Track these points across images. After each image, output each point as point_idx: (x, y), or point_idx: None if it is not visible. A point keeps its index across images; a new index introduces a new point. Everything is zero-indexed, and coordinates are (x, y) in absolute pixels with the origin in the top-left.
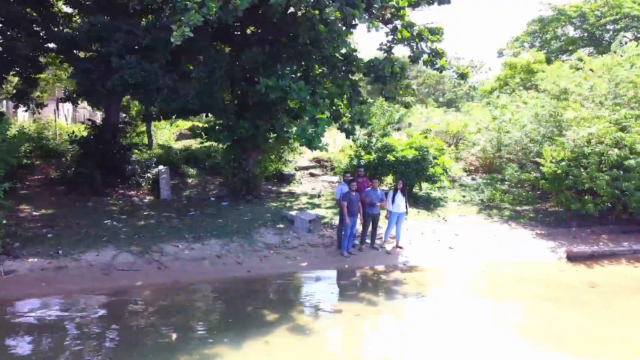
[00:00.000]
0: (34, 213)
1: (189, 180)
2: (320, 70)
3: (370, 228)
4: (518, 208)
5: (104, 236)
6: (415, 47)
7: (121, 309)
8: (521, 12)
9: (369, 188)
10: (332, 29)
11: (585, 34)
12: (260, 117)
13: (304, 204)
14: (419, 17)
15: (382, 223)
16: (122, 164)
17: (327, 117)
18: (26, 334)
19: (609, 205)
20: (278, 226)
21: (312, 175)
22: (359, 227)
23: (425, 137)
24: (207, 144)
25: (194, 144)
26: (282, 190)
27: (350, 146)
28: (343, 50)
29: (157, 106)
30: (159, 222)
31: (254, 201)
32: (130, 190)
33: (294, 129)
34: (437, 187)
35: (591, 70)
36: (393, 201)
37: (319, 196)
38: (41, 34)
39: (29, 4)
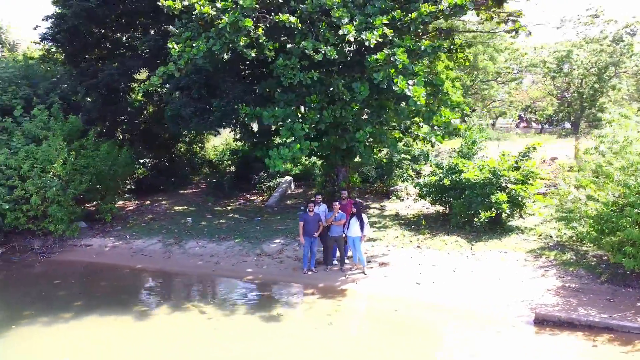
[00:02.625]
0: (175, 208)
1: (301, 190)
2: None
3: (337, 249)
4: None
5: (170, 229)
6: None
7: (110, 277)
8: None
9: (327, 209)
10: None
11: None
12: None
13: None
14: None
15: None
16: (253, 173)
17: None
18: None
19: None
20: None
21: None
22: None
23: (519, 160)
24: None
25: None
26: (373, 205)
27: (430, 165)
28: None
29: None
30: (228, 223)
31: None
32: (255, 195)
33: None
34: (526, 215)
35: None
36: (348, 225)
37: (397, 215)
38: None
39: None
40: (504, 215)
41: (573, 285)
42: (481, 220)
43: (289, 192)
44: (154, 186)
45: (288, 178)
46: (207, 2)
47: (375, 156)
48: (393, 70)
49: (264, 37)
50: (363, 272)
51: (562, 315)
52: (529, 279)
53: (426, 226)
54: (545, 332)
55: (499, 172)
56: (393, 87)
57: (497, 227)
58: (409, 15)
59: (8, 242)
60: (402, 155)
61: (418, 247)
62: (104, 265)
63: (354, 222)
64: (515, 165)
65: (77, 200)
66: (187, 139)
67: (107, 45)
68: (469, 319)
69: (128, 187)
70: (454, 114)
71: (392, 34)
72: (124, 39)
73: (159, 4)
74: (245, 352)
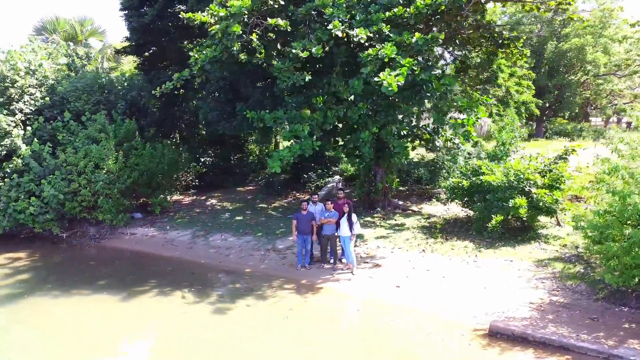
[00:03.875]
0: (224, 204)
1: (349, 190)
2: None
3: (329, 248)
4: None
5: (205, 223)
6: None
7: (134, 262)
8: None
9: (324, 208)
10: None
11: None
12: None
13: (395, 226)
14: None
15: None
16: (304, 173)
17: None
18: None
19: None
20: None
21: None
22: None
23: (553, 163)
24: None
25: None
26: (412, 208)
27: (459, 167)
28: None
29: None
30: (260, 219)
31: (370, 212)
32: (304, 194)
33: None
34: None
35: None
36: (338, 225)
37: (428, 218)
38: None
39: None
40: (535, 221)
41: (562, 300)
42: (493, 225)
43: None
44: (214, 183)
45: (336, 178)
46: (210, 11)
47: (406, 158)
48: (376, 66)
49: (257, 42)
50: (351, 272)
51: (515, 329)
52: (518, 290)
53: (446, 230)
54: (493, 346)
55: (521, 175)
56: (375, 79)
57: (524, 234)
58: (408, 10)
59: (72, 228)
60: (447, 157)
61: (423, 250)
62: (136, 252)
63: (344, 222)
64: (548, 168)
65: (133, 194)
66: (252, 139)
67: (172, 54)
68: (423, 324)
69: (187, 183)
70: (469, 118)
71: (389, 30)
72: (185, 49)
73: (181, 16)
74: (187, 334)
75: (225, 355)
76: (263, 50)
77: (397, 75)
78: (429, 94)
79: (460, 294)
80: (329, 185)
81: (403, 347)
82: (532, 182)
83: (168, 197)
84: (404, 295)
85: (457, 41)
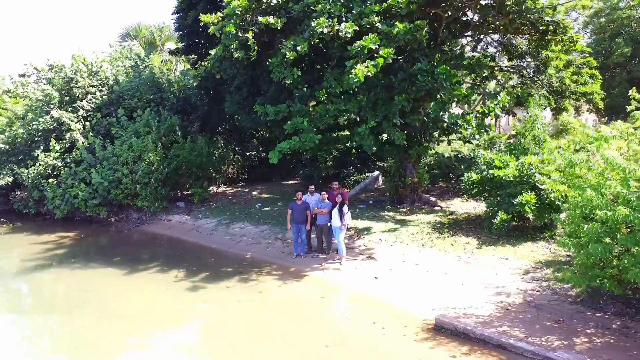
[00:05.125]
0: (263, 195)
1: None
2: None
3: (323, 237)
4: None
5: (233, 212)
6: None
7: (159, 244)
8: None
9: (319, 199)
10: None
11: None
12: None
13: (408, 221)
14: None
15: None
16: (344, 168)
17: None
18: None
19: None
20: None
21: None
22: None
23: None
24: None
25: None
26: (441, 204)
27: (482, 160)
28: None
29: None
30: (285, 210)
31: (396, 207)
32: (343, 188)
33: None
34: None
35: None
36: (331, 216)
37: (450, 214)
38: None
39: None
40: (542, 220)
41: (538, 301)
42: (498, 222)
43: (375, 186)
44: (263, 177)
45: (376, 173)
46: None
47: (424, 152)
48: (362, 59)
49: (253, 40)
50: (340, 263)
51: (458, 325)
52: (496, 288)
53: (458, 227)
54: (429, 339)
55: (532, 169)
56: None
57: (535, 233)
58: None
59: (119, 213)
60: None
61: (422, 245)
62: (164, 236)
63: (335, 212)
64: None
65: (175, 184)
66: None
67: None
68: (376, 314)
69: (235, 176)
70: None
71: (379, 21)
72: None
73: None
74: (158, 301)
75: (167, 317)
76: (257, 48)
77: (369, 66)
78: (424, 85)
79: (433, 288)
80: (366, 181)
81: (339, 332)
82: (546, 176)
83: (214, 188)
84: (377, 287)
85: (488, 28)
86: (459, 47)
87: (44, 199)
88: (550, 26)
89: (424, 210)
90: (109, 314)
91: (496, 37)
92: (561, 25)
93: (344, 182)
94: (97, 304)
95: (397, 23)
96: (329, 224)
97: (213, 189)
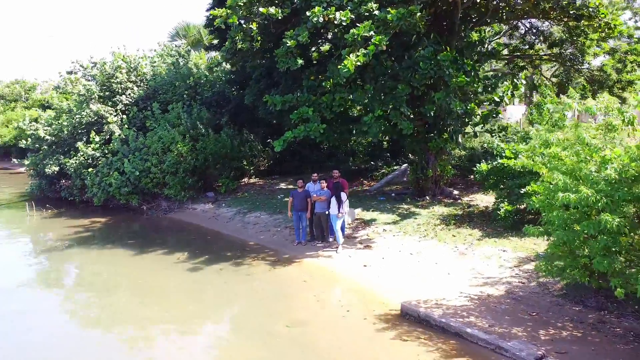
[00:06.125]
0: (290, 187)
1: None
2: None
3: (322, 225)
4: None
5: (254, 202)
6: None
7: (179, 230)
8: None
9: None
10: None
11: None
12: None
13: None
14: None
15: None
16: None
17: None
18: (157, 228)
19: None
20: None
21: None
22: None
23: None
24: None
25: None
26: (464, 197)
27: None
28: None
29: None
30: None
31: (415, 199)
32: (373, 181)
33: None
34: None
35: None
36: (329, 204)
37: (468, 207)
38: None
39: None
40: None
41: (519, 293)
42: (503, 214)
43: (404, 179)
44: (297, 169)
45: (404, 166)
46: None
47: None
48: (357, 47)
49: (256, 30)
50: (336, 250)
51: (421, 312)
52: (483, 278)
53: (467, 219)
54: (388, 324)
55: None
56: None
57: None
58: None
59: (151, 202)
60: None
61: (424, 236)
62: (186, 223)
63: (333, 200)
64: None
65: (203, 175)
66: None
67: None
68: (349, 299)
69: (266, 168)
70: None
71: (377, 8)
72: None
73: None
74: (154, 280)
75: (150, 292)
76: (259, 38)
77: (359, 55)
78: (427, 72)
79: (418, 277)
80: (394, 173)
81: (305, 313)
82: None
83: (246, 179)
84: (362, 274)
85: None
86: (478, 35)
87: (85, 188)
88: (584, 10)
89: (443, 203)
90: (114, 289)
91: (536, 25)
92: (596, 10)
93: (371, 175)
94: (110, 280)
95: (389, 9)
96: (327, 212)
97: (245, 180)
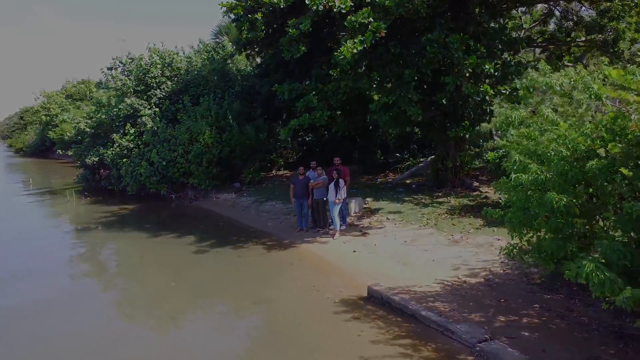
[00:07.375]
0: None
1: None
2: None
3: (321, 212)
4: None
5: (273, 192)
6: None
7: (199, 217)
8: None
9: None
10: None
11: None
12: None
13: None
14: None
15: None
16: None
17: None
18: (179, 215)
19: None
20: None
21: None
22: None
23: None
24: None
25: None
26: (483, 188)
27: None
28: None
29: None
30: None
31: (433, 190)
32: (397, 173)
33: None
34: None
35: None
36: (328, 190)
37: (483, 197)
38: None
39: None
40: None
41: (498, 280)
42: (504, 203)
43: (428, 171)
44: (324, 161)
45: (430, 158)
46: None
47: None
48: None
49: (261, 20)
50: (332, 237)
51: (383, 294)
52: (466, 266)
53: (475, 210)
54: (350, 305)
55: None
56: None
57: None
58: None
59: (179, 190)
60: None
61: (425, 225)
62: (207, 211)
63: (331, 187)
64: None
65: (227, 164)
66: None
67: None
68: (325, 282)
69: (294, 160)
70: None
71: None
72: None
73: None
74: (155, 256)
75: (145, 269)
76: (263, 28)
77: (356, 42)
78: (434, 56)
79: (400, 263)
80: (419, 165)
81: (275, 292)
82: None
83: (274, 171)
84: (349, 259)
85: None
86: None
87: (121, 177)
88: None
89: (459, 194)
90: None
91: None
92: None
93: (396, 167)
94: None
95: None
96: (324, 198)
97: (273, 172)
